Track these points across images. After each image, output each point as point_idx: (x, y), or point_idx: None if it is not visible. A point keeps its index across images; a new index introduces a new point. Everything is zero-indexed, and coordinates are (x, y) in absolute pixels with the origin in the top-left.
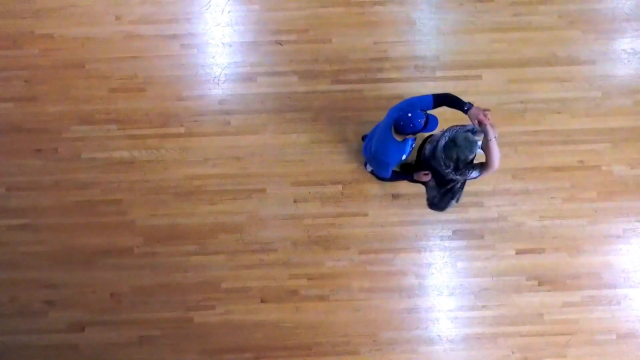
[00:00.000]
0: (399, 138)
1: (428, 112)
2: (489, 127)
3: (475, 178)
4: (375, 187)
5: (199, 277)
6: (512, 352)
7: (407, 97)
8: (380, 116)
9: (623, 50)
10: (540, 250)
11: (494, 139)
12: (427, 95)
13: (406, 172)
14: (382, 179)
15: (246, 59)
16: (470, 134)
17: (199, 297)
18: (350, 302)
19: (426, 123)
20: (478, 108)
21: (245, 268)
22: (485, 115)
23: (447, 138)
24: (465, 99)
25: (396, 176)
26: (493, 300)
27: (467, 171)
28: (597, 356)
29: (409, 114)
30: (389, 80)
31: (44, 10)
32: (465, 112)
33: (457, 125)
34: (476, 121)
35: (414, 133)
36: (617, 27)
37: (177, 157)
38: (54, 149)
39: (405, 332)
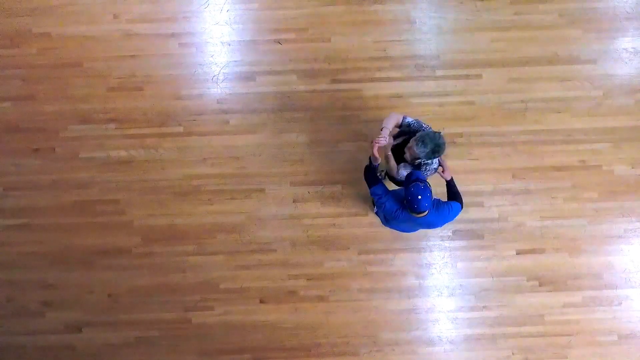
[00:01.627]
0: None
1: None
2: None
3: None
4: None
5: (198, 278)
6: (513, 353)
7: (407, 96)
8: (379, 116)
9: (624, 49)
10: (541, 251)
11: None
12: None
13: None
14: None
15: (245, 58)
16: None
17: (197, 298)
18: (349, 303)
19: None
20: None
21: (244, 268)
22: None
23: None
24: (465, 98)
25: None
26: (493, 301)
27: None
28: (598, 357)
29: (419, 197)
30: (389, 79)
31: (41, 8)
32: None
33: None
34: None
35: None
36: (618, 26)
37: (176, 157)
38: (52, 149)
39: (405, 333)
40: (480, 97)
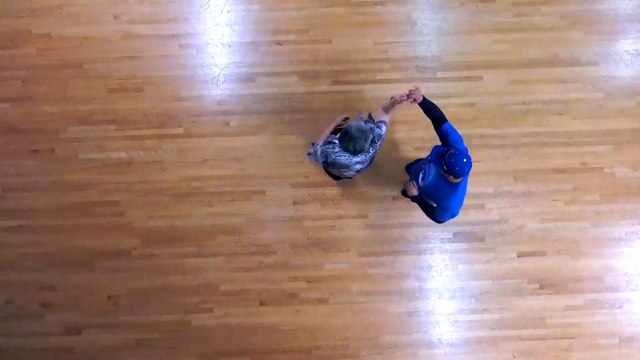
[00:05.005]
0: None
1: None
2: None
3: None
4: (375, 189)
5: (197, 280)
6: (514, 356)
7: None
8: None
9: (626, 51)
10: (542, 253)
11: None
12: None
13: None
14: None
15: (245, 60)
16: (362, 123)
17: (197, 300)
18: (349, 305)
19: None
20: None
21: (244, 270)
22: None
23: (336, 141)
24: (466, 100)
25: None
26: (494, 304)
27: (376, 144)
28: None
29: (464, 160)
30: (390, 81)
31: (41, 9)
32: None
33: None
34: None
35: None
36: (620, 28)
37: (176, 158)
38: (51, 150)
39: (405, 336)
40: (481, 99)
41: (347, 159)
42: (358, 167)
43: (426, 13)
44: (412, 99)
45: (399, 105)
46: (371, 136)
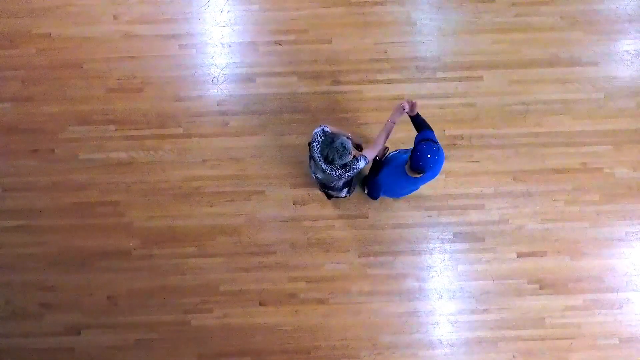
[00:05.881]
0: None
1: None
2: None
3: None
4: None
5: (197, 280)
6: (514, 357)
7: (407, 98)
8: (380, 118)
9: (626, 51)
10: (542, 254)
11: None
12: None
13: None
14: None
15: (245, 60)
16: (350, 143)
17: (196, 300)
18: (349, 306)
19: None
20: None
21: (244, 271)
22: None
23: (325, 135)
24: (466, 100)
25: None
26: (494, 304)
27: (346, 172)
28: None
29: (428, 155)
30: (389, 81)
31: (40, 9)
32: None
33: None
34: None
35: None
36: (620, 28)
37: (175, 159)
38: (51, 150)
39: (405, 336)
40: (481, 99)
41: (317, 156)
42: (320, 174)
43: (426, 13)
44: (412, 107)
45: (401, 115)
46: (348, 159)
